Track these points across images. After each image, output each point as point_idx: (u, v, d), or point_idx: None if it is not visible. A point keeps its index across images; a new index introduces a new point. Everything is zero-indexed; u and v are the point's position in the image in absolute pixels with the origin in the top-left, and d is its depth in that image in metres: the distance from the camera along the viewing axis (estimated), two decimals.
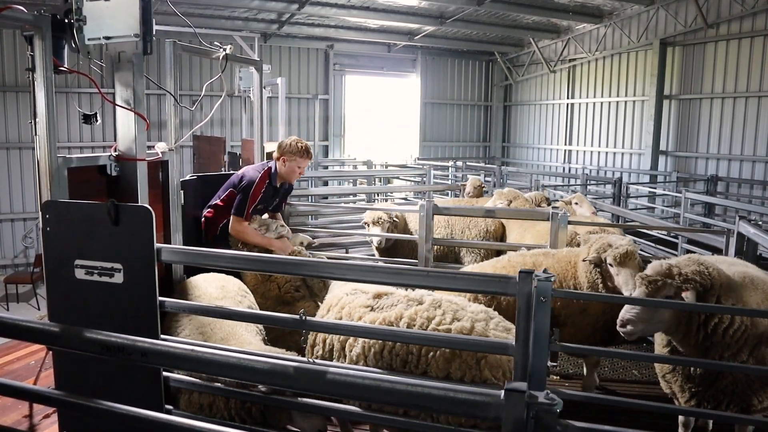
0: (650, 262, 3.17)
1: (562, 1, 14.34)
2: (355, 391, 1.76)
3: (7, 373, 4.52)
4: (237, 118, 14.76)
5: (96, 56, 3.31)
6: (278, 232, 4.56)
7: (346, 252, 7.97)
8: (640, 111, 15.47)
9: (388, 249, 6.35)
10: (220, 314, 3.17)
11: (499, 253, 5.80)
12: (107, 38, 3.20)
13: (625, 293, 3.55)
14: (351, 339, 2.96)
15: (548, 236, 4.89)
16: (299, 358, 2.88)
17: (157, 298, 2.78)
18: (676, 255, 7.23)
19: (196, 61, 15.25)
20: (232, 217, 4.46)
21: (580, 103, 17.57)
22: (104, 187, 3.52)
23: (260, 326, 3.59)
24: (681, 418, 3.52)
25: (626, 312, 2.86)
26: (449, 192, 9.50)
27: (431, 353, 2.74)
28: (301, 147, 4.56)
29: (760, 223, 4.59)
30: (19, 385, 2.19)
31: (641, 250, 7.86)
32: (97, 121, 3.45)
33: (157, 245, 2.73)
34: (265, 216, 4.79)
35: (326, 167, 16.33)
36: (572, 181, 15.27)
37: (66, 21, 3.13)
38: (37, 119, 3.01)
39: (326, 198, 12.78)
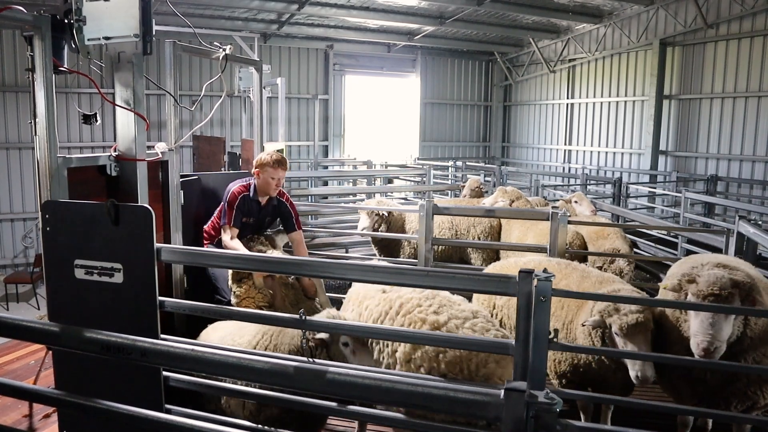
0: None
1: (562, 1, 14.34)
2: (355, 390, 1.76)
3: (7, 373, 4.52)
4: (237, 118, 14.71)
5: (96, 56, 3.31)
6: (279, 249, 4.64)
7: (346, 252, 7.99)
8: (639, 111, 15.47)
9: (387, 246, 6.42)
10: (220, 314, 3.17)
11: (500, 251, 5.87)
12: (107, 38, 3.20)
13: (632, 373, 2.99)
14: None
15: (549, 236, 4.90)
16: (299, 357, 2.88)
17: (156, 297, 2.78)
18: (676, 255, 7.24)
19: (196, 61, 15.24)
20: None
21: (579, 103, 17.57)
22: (104, 187, 3.52)
23: None
24: (680, 417, 3.53)
25: (703, 340, 2.77)
26: (449, 192, 9.51)
27: None
28: (273, 158, 4.57)
29: (760, 222, 4.58)
30: (19, 385, 2.19)
31: (641, 250, 7.93)
32: (96, 121, 3.45)
33: (156, 245, 2.73)
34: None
35: (326, 167, 16.33)
36: (572, 181, 15.27)
37: (66, 21, 3.13)
38: (37, 119, 3.01)
39: (326, 198, 12.79)
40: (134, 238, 2.72)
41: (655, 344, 3.14)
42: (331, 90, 17.75)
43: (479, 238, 6.22)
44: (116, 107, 3.48)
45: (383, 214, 6.23)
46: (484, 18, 15.65)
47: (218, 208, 4.72)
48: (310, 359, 2.77)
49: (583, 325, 3.22)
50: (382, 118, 19.63)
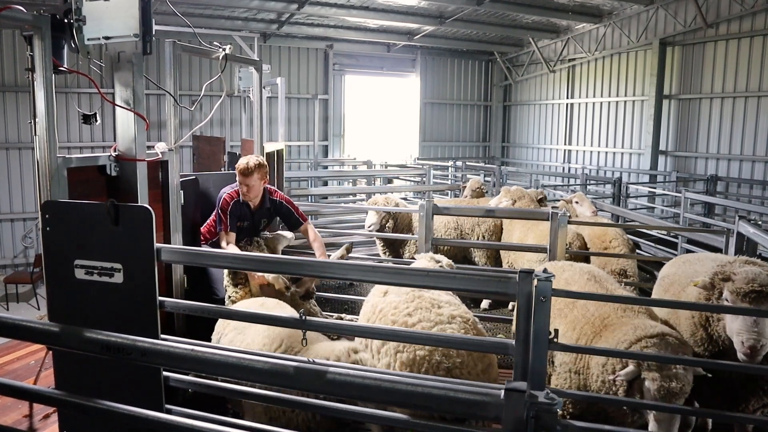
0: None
1: (562, 1, 14.33)
2: (355, 390, 1.76)
3: (7, 373, 4.52)
4: (237, 118, 14.74)
5: (95, 56, 3.32)
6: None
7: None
8: (639, 111, 15.47)
9: (392, 244, 6.48)
10: (220, 314, 3.17)
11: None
12: (107, 38, 3.20)
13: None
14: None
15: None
16: (299, 358, 2.87)
17: (156, 297, 2.78)
18: (676, 255, 7.24)
19: (196, 61, 15.23)
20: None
21: (579, 103, 17.57)
22: (104, 187, 3.52)
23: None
24: (681, 418, 3.52)
25: (749, 338, 2.73)
26: (449, 192, 9.51)
27: None
28: (240, 166, 4.55)
29: (760, 222, 4.58)
30: (19, 385, 2.19)
31: (641, 250, 7.92)
32: (96, 121, 3.45)
33: (156, 245, 2.73)
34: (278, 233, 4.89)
35: (326, 167, 16.33)
36: (572, 181, 15.28)
37: (65, 21, 3.12)
38: (36, 119, 3.01)
39: (326, 198, 12.79)
40: (134, 238, 2.72)
41: None
42: (330, 90, 17.75)
43: (484, 238, 6.28)
44: (116, 107, 3.48)
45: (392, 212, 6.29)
46: (484, 18, 15.65)
47: (213, 214, 4.77)
48: (310, 359, 2.77)
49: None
50: (382, 118, 19.62)
